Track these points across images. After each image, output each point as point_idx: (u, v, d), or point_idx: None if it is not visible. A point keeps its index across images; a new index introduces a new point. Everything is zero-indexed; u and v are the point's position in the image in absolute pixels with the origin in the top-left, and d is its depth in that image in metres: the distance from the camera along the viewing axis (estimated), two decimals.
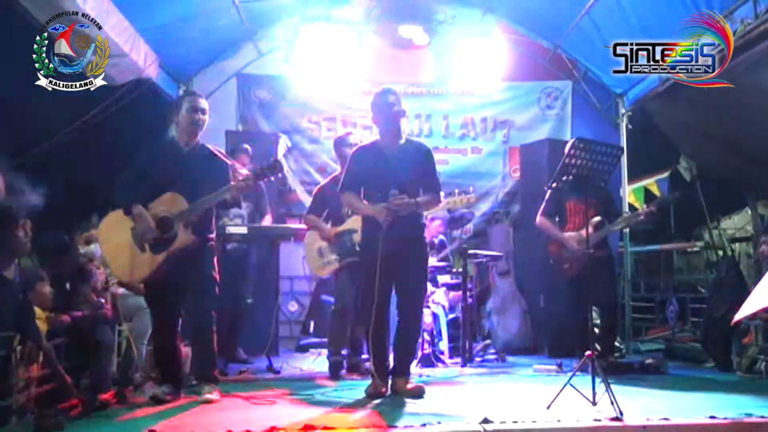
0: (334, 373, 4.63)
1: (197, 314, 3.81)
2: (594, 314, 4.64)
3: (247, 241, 5.21)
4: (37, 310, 3.57)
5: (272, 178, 3.87)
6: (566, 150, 3.94)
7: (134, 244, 3.72)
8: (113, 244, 3.79)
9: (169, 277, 3.73)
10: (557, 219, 5.08)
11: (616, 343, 5.73)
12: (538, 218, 5.09)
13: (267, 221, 5.51)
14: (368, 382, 3.91)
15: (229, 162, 4.02)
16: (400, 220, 3.78)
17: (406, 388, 3.81)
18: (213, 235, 3.95)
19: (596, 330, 4.78)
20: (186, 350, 4.14)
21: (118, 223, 3.78)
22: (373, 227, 3.84)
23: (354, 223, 4.62)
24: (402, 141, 4.04)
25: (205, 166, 3.85)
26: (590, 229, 4.75)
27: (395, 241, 3.77)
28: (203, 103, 3.91)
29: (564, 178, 3.89)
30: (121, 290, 4.61)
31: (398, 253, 3.78)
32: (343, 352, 4.74)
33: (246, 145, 5.72)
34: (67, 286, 4.01)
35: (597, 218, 4.86)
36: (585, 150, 3.82)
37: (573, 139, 3.92)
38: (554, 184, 3.97)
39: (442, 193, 4.16)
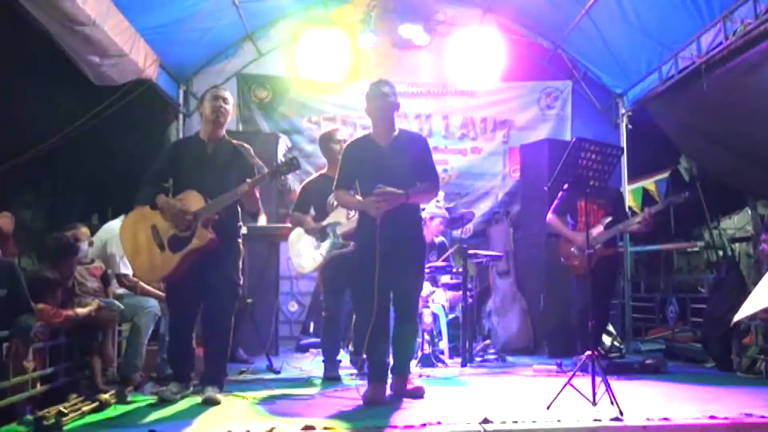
0: (332, 380, 4.51)
1: (214, 315, 3.76)
2: None
3: (246, 240, 5.19)
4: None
5: (289, 176, 3.78)
6: (567, 150, 3.94)
7: (153, 242, 3.70)
8: (134, 243, 3.78)
9: (188, 277, 3.70)
10: (568, 217, 5.10)
11: (616, 343, 5.73)
12: (549, 215, 5.10)
13: (262, 221, 5.49)
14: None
15: (253, 158, 3.94)
16: (396, 215, 3.65)
17: (406, 389, 3.77)
18: (238, 236, 3.89)
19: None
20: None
21: (138, 222, 3.79)
22: (368, 223, 3.72)
23: (337, 216, 4.52)
24: (396, 133, 3.90)
25: (230, 161, 3.81)
26: (600, 229, 4.80)
27: (391, 237, 3.65)
28: (225, 93, 3.92)
29: (567, 179, 3.89)
30: (121, 290, 4.61)
31: (394, 249, 3.66)
32: (339, 357, 4.67)
33: (246, 146, 5.65)
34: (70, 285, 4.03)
35: (607, 219, 4.90)
36: (585, 150, 3.82)
37: (574, 140, 3.91)
38: (564, 186, 3.97)
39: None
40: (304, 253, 4.67)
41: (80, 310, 3.88)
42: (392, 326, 3.89)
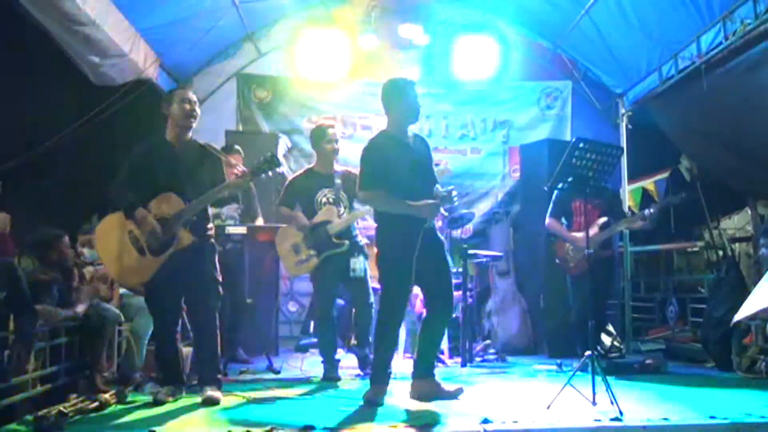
0: (331, 380, 4.49)
1: (201, 315, 3.76)
2: None
3: (246, 240, 5.19)
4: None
5: (269, 174, 3.79)
6: (567, 150, 3.94)
7: (132, 247, 3.65)
8: (111, 248, 3.70)
9: (169, 279, 3.68)
10: (563, 220, 5.10)
11: (616, 343, 5.72)
12: (547, 220, 5.10)
13: (259, 223, 5.46)
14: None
15: (220, 155, 3.94)
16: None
17: (445, 390, 3.73)
18: (212, 233, 3.89)
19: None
20: (186, 350, 4.14)
21: (115, 226, 3.71)
22: (409, 226, 3.61)
23: (327, 214, 4.46)
24: (410, 133, 3.89)
25: (199, 162, 3.79)
26: (596, 229, 4.79)
27: (433, 237, 3.79)
28: (194, 96, 3.87)
29: (566, 178, 3.89)
30: (121, 290, 4.61)
31: (434, 249, 3.77)
32: (337, 357, 4.65)
33: (237, 146, 5.60)
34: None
35: (602, 219, 4.88)
36: (585, 150, 3.82)
37: (573, 139, 3.91)
38: (559, 185, 3.97)
39: None
40: (294, 255, 4.55)
41: (80, 309, 3.89)
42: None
